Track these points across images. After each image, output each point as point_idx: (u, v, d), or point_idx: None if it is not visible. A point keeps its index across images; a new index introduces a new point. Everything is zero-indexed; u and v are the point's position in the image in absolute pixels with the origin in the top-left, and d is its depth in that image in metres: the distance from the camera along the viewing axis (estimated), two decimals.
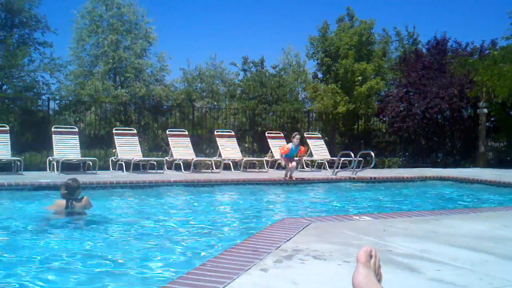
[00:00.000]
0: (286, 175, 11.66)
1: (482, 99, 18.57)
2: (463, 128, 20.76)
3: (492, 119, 20.63)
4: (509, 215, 6.24)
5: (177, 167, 13.54)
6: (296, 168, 12.11)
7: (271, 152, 15.29)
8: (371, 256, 1.43)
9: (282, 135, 16.03)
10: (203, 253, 4.75)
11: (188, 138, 14.45)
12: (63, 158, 11.87)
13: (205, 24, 49.20)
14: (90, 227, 6.29)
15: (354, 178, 12.49)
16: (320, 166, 15.60)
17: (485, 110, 18.79)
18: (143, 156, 13.46)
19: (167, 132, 14.55)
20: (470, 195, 11.13)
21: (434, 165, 18.70)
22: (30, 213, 7.13)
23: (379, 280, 1.42)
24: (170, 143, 14.08)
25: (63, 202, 6.50)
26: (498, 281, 3.13)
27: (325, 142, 16.50)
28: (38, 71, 21.55)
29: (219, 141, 14.70)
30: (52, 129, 12.88)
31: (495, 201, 10.27)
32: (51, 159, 12.33)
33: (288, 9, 50.83)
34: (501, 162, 20.03)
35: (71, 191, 6.51)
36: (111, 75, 22.50)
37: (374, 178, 12.73)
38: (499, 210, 6.96)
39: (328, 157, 15.44)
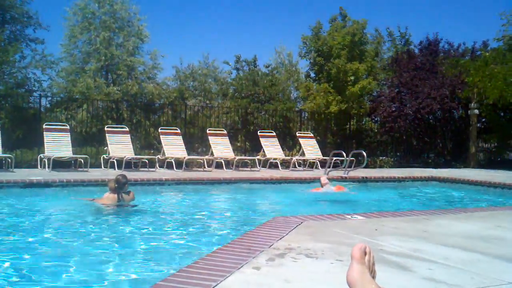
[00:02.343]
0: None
1: (473, 100, 18.68)
2: (454, 128, 20.87)
3: (483, 120, 20.73)
4: (500, 215, 6.27)
5: (169, 166, 13.51)
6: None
7: (263, 151, 15.29)
8: (365, 253, 1.44)
9: (274, 134, 16.04)
10: (195, 251, 4.75)
11: (180, 136, 14.43)
12: (54, 156, 11.80)
13: (198, 22, 49.14)
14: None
15: (345, 177, 12.52)
16: (312, 165, 15.62)
17: (476, 111, 18.89)
18: (135, 154, 13.41)
19: (159, 130, 14.52)
20: (462, 196, 11.19)
21: (425, 165, 18.78)
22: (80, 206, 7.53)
23: (373, 277, 1.42)
24: (162, 141, 14.05)
25: (114, 196, 7.19)
26: (489, 280, 3.15)
27: (317, 142, 16.52)
28: (30, 68, 21.40)
29: (212, 140, 14.69)
30: (44, 126, 12.81)
31: (486, 201, 10.34)
32: (42, 156, 12.25)
33: (281, 8, 50.88)
34: (491, 163, 20.16)
35: (120, 186, 7.20)
36: (103, 73, 22.38)
37: (366, 177, 12.77)
38: (490, 210, 7.01)
39: (320, 156, 15.47)
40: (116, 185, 7.20)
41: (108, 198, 7.28)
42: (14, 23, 21.74)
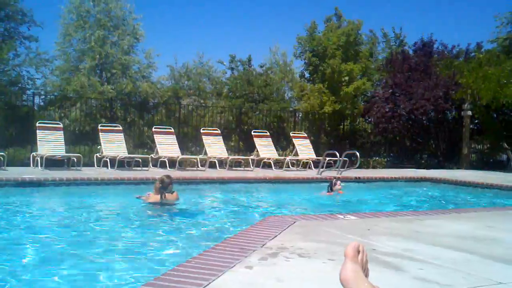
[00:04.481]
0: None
1: (466, 101, 18.73)
2: (448, 130, 20.94)
3: (476, 121, 20.82)
4: (491, 216, 6.31)
5: (163, 165, 13.49)
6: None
7: (257, 151, 15.29)
8: (358, 252, 1.44)
9: (268, 134, 16.04)
10: (188, 250, 4.75)
11: (174, 135, 14.40)
12: (47, 154, 11.76)
13: (193, 21, 48.97)
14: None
15: (339, 177, 12.52)
16: (305, 165, 15.63)
17: (470, 112, 18.96)
18: (128, 153, 13.37)
19: (153, 129, 14.49)
20: (453, 196, 11.24)
21: (418, 166, 18.83)
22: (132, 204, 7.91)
23: (366, 275, 1.43)
24: (156, 140, 14.03)
25: (157, 196, 7.40)
26: (480, 280, 3.17)
27: (310, 142, 16.53)
28: (23, 66, 21.33)
29: (205, 139, 14.67)
30: (37, 125, 12.75)
31: (478, 202, 10.39)
32: (35, 154, 12.20)
33: (276, 8, 50.80)
34: (484, 164, 20.26)
35: (165, 186, 7.37)
36: (98, 71, 22.29)
37: (359, 178, 12.79)
38: (482, 211, 7.04)
39: (314, 156, 15.48)
40: (160, 185, 7.36)
41: (151, 197, 7.50)
42: (8, 20, 21.63)
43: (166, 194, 7.39)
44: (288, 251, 3.69)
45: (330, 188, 9.93)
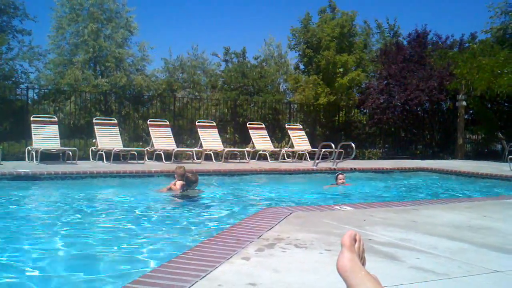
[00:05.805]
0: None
1: (461, 92, 18.79)
2: (442, 120, 21.01)
3: (471, 111, 20.88)
4: (487, 205, 6.34)
5: (158, 158, 13.47)
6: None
7: (253, 143, 15.29)
8: (355, 240, 1.45)
9: (263, 126, 16.04)
10: (184, 242, 4.75)
11: (169, 128, 14.37)
12: (42, 148, 11.72)
13: (187, 14, 48.88)
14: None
15: (334, 169, 12.55)
16: (301, 157, 15.65)
17: (464, 103, 19.01)
18: (124, 146, 13.35)
19: (148, 122, 14.46)
20: (449, 186, 11.28)
21: (413, 156, 18.90)
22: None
23: (363, 264, 1.43)
24: (151, 133, 13.99)
25: (179, 184, 7.56)
26: (476, 269, 3.19)
27: (306, 133, 16.55)
28: (17, 60, 21.28)
29: (201, 132, 14.65)
30: (31, 119, 12.70)
31: (473, 192, 10.43)
32: (30, 148, 12.16)
33: None
34: (478, 154, 20.35)
35: (189, 183, 7.50)
36: (91, 65, 22.24)
37: (355, 169, 12.81)
38: (477, 201, 7.07)
39: (309, 148, 15.50)
40: (185, 182, 7.41)
41: (174, 185, 7.57)
42: (1, 14, 21.51)
43: (190, 191, 7.40)
44: (285, 242, 3.70)
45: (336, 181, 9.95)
